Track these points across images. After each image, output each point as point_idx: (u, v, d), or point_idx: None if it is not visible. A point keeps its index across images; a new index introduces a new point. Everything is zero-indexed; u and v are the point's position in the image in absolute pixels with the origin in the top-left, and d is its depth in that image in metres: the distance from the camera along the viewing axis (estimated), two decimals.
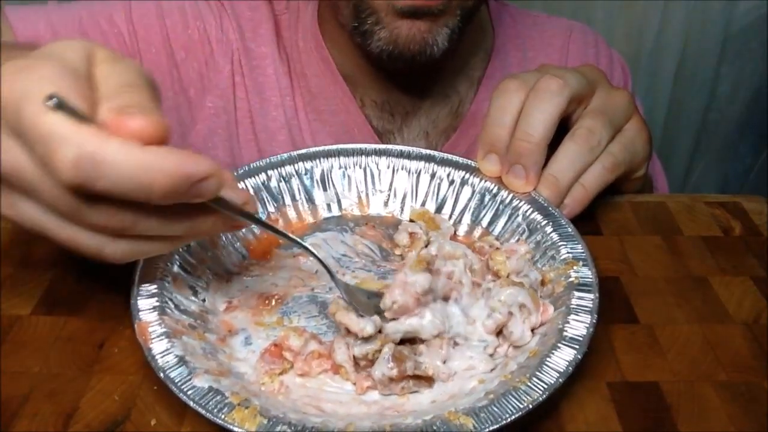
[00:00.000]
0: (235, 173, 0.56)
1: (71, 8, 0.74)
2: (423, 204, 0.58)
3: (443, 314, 0.45)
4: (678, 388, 0.45)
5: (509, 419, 0.38)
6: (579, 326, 0.44)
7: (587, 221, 0.60)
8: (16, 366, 0.45)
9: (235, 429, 0.38)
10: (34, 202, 0.37)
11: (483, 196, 0.57)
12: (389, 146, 0.59)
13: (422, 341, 0.45)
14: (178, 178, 0.35)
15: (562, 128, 0.56)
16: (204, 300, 0.49)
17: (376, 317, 0.44)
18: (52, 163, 0.34)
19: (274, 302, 0.50)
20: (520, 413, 0.39)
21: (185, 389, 0.40)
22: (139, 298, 0.45)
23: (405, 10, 0.62)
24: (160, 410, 0.42)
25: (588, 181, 0.56)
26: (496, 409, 0.39)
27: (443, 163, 0.58)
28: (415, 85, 0.75)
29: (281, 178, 0.57)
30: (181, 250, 0.50)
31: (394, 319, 0.44)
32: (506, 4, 0.84)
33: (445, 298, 0.47)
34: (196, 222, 0.40)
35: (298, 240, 0.47)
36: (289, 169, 0.58)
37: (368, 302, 0.46)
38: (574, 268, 0.48)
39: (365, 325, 0.43)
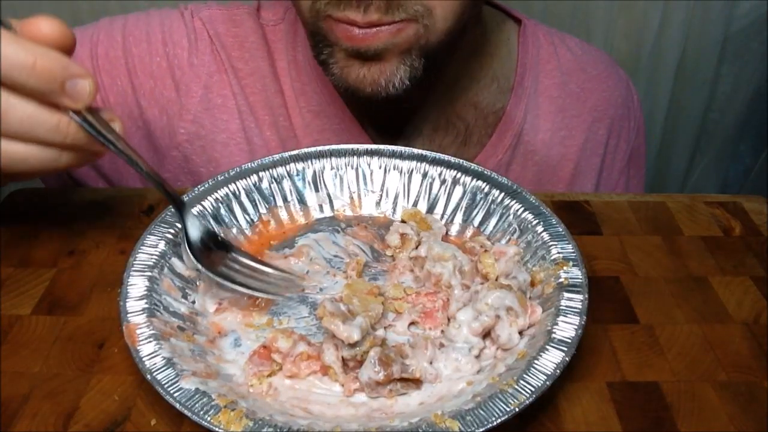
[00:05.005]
0: (227, 175, 0.56)
1: None
2: (415, 203, 0.58)
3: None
4: (678, 388, 0.44)
5: (495, 422, 0.38)
6: (568, 328, 0.43)
7: (587, 221, 0.60)
8: (16, 366, 0.45)
9: (221, 431, 0.38)
10: None
11: (474, 195, 0.56)
12: (381, 146, 0.59)
13: (410, 346, 0.44)
14: (58, 63, 0.41)
15: None
16: (194, 302, 0.49)
17: (361, 321, 0.43)
18: None
19: (263, 303, 0.49)
20: (507, 416, 0.38)
21: (172, 391, 0.40)
22: (128, 300, 0.45)
23: (350, 51, 0.59)
24: (160, 410, 0.42)
25: None
26: (482, 412, 0.39)
27: (435, 162, 0.58)
28: (405, 111, 0.72)
29: (273, 180, 0.57)
30: (171, 251, 0.49)
31: None
32: (538, 24, 0.80)
33: None
34: (60, 126, 0.43)
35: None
36: (280, 170, 0.57)
37: None
38: (564, 268, 0.48)
39: (351, 332, 0.42)
